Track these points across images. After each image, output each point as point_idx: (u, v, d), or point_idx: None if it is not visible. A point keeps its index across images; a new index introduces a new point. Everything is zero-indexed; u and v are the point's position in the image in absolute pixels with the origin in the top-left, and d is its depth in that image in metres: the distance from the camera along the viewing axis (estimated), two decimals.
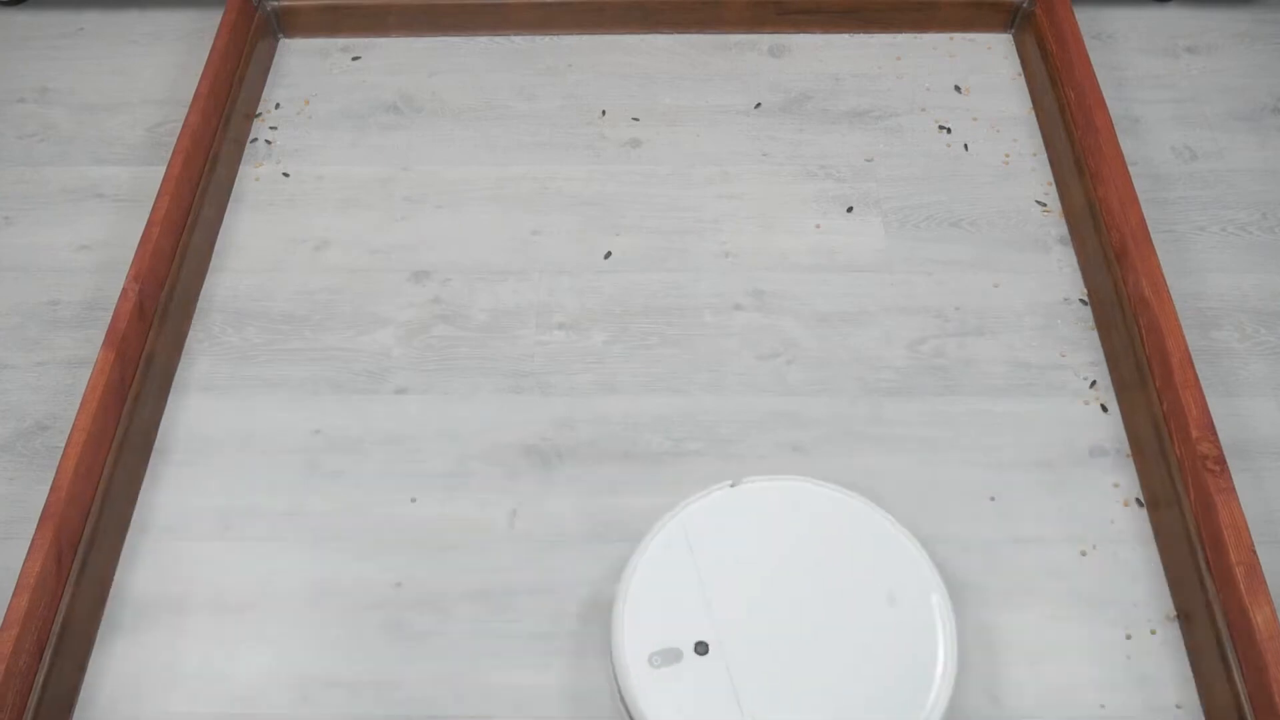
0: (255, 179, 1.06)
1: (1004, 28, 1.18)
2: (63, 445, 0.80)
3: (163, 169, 0.98)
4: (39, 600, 0.73)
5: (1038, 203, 1.03)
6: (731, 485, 0.74)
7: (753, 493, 0.74)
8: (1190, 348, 0.84)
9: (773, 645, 0.68)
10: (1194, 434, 0.78)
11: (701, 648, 0.67)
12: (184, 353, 0.94)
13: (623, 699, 0.68)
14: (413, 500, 0.85)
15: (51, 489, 0.77)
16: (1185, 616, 0.78)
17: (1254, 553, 0.73)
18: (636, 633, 0.68)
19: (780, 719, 0.65)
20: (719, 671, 0.67)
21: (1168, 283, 0.87)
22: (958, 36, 1.18)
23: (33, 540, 0.74)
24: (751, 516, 0.73)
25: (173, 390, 0.91)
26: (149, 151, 1.09)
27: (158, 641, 0.78)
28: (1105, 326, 0.93)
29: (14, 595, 0.72)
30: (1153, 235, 0.92)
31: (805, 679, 0.67)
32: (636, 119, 1.10)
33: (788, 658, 0.68)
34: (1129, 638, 0.78)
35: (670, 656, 0.67)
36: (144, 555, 0.83)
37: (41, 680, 0.72)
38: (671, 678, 0.67)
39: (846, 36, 1.18)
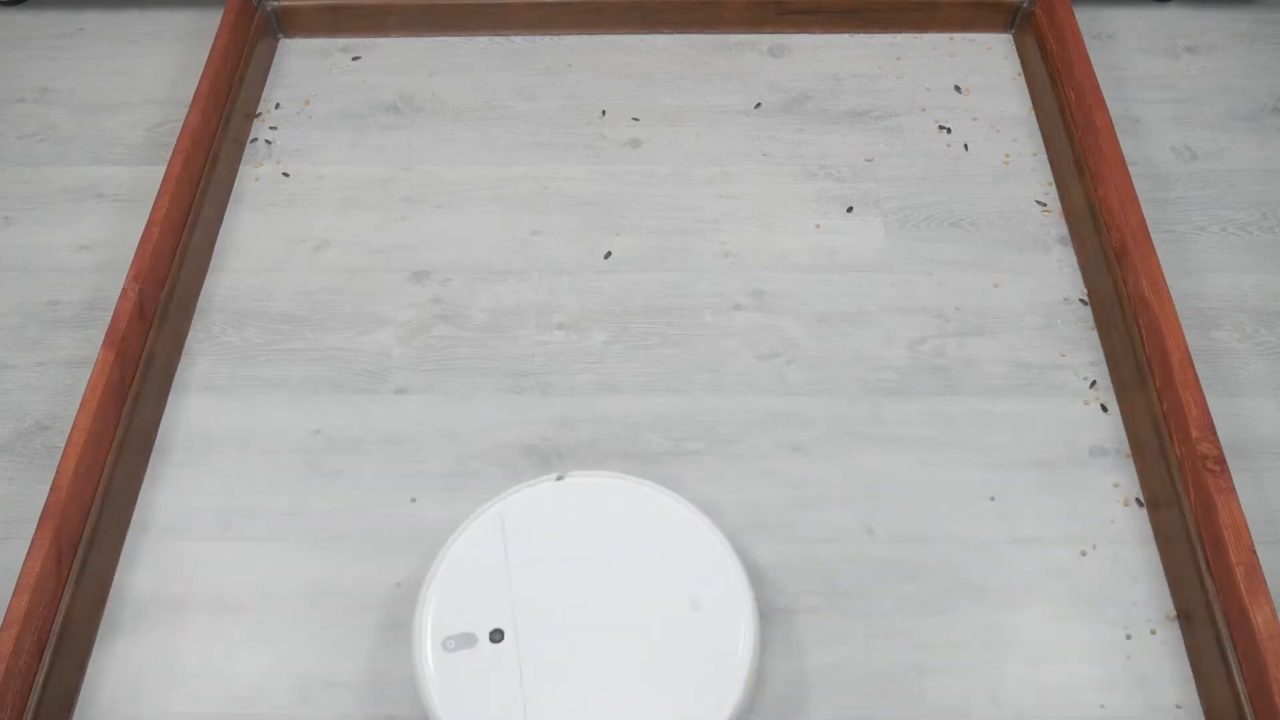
0: (255, 179, 1.06)
1: (1004, 28, 1.18)
2: (63, 445, 0.80)
3: (163, 169, 0.98)
4: (39, 600, 0.73)
5: (1038, 203, 1.03)
6: (558, 478, 0.74)
7: (575, 487, 0.74)
8: (1190, 348, 0.84)
9: (568, 639, 0.68)
10: (1194, 434, 0.78)
11: (497, 635, 0.68)
12: (184, 353, 0.94)
13: (415, 680, 0.68)
14: (413, 500, 0.85)
15: (51, 489, 0.77)
16: (1185, 616, 0.78)
17: (1254, 553, 0.73)
18: (437, 615, 0.69)
19: (560, 712, 0.66)
20: (509, 660, 0.67)
21: (1168, 283, 0.87)
22: (958, 36, 1.18)
23: (33, 540, 0.74)
24: (571, 511, 0.73)
25: (173, 390, 0.91)
26: (149, 151, 1.09)
27: (158, 641, 0.78)
28: (1105, 326, 0.93)
29: (14, 595, 0.72)
30: (1153, 235, 0.92)
31: (594, 675, 0.67)
32: (636, 119, 1.10)
33: (581, 652, 0.68)
34: (1129, 638, 0.78)
35: (465, 641, 0.68)
36: (144, 555, 0.83)
37: (41, 680, 0.72)
38: (462, 662, 0.67)
39: (846, 36, 1.18)
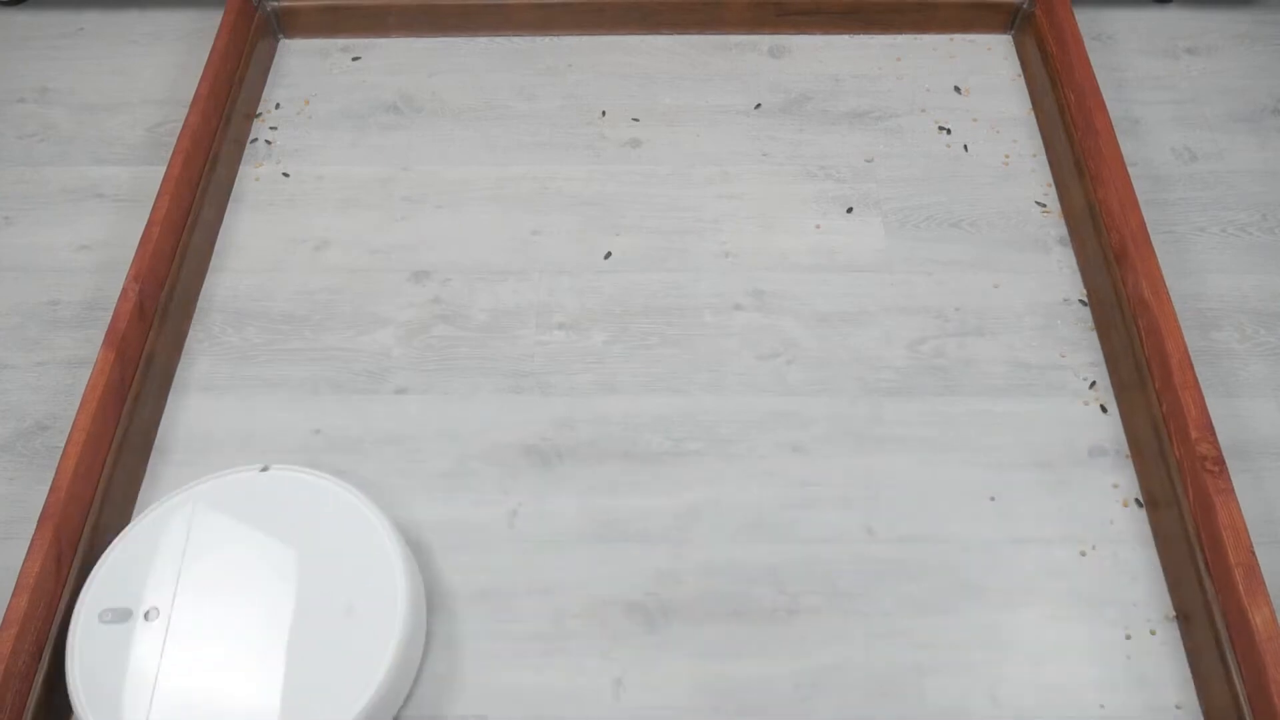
0: (255, 179, 1.06)
1: (1004, 29, 1.18)
2: (63, 445, 0.80)
3: (163, 169, 0.98)
4: (39, 600, 0.73)
5: (1037, 204, 1.03)
6: (262, 469, 0.77)
7: (274, 480, 0.76)
8: (1190, 348, 0.84)
9: (216, 625, 0.70)
10: (1193, 434, 0.78)
11: (152, 614, 0.70)
12: (184, 353, 0.94)
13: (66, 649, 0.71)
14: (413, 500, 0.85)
15: (51, 489, 0.77)
16: (1185, 617, 0.78)
17: (1253, 553, 0.73)
18: (105, 587, 0.72)
19: (189, 691, 0.68)
20: (154, 642, 0.70)
21: (1167, 284, 0.87)
22: (957, 37, 1.18)
23: (33, 540, 0.74)
24: (260, 504, 0.75)
25: (173, 390, 0.91)
26: (149, 151, 1.09)
27: None
28: (1105, 327, 0.93)
29: (14, 595, 0.72)
30: (1152, 236, 0.92)
31: (235, 661, 0.69)
32: (636, 119, 1.10)
33: (226, 639, 0.70)
34: (1129, 638, 0.78)
35: (120, 615, 0.70)
36: None
37: (41, 680, 0.72)
38: (112, 635, 0.70)
39: (846, 37, 1.18)
